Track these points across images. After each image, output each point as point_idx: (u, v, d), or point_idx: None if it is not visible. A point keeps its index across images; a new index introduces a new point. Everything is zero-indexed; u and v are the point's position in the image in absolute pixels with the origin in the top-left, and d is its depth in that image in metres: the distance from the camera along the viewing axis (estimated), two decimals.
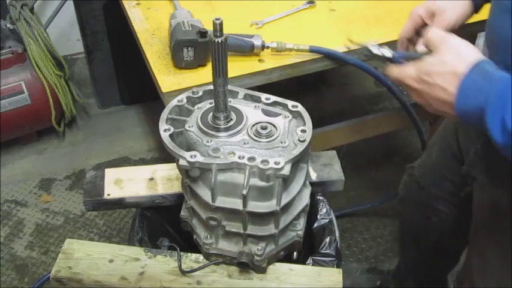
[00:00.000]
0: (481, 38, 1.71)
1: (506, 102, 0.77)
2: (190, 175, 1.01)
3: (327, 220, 1.27)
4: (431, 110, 0.93)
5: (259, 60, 1.46)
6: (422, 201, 1.52)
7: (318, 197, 1.30)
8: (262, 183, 0.97)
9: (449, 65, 0.86)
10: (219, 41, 0.91)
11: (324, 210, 1.29)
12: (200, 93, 1.10)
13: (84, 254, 1.16)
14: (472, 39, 1.74)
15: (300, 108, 1.07)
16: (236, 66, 1.41)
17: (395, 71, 0.95)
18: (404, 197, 1.61)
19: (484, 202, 1.20)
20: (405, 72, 0.93)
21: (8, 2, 2.35)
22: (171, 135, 1.00)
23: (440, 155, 1.43)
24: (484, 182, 1.19)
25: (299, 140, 1.00)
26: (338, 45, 1.49)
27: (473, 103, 0.82)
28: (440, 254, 1.61)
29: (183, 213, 1.15)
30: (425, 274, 1.70)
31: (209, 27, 0.98)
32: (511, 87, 0.78)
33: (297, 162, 1.00)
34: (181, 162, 0.97)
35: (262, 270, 1.11)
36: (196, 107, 1.08)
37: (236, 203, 1.00)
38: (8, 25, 2.32)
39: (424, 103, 0.93)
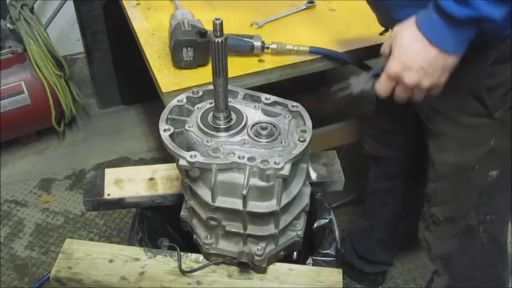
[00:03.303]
0: None
1: None
2: (190, 175, 1.01)
3: (327, 220, 1.27)
4: (434, 82, 1.02)
5: (259, 60, 1.46)
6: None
7: (318, 197, 1.31)
8: (262, 183, 0.97)
9: (408, 32, 1.00)
10: (219, 41, 0.91)
11: (324, 210, 1.29)
12: (200, 93, 1.10)
13: (84, 254, 1.16)
14: None
15: (300, 108, 1.07)
16: (236, 66, 1.40)
17: (382, 77, 1.07)
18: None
19: None
20: (386, 67, 1.04)
21: (8, 2, 2.35)
22: (171, 135, 1.01)
23: None
24: None
25: (299, 140, 1.00)
26: (338, 46, 1.49)
27: (436, 19, 0.95)
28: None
29: (183, 213, 1.15)
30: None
31: (209, 27, 0.98)
32: None
33: (297, 162, 1.00)
34: (181, 162, 0.97)
35: (262, 270, 1.11)
36: (196, 107, 1.08)
37: (236, 203, 1.00)
38: (8, 25, 2.31)
39: (420, 75, 1.01)
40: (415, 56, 0.99)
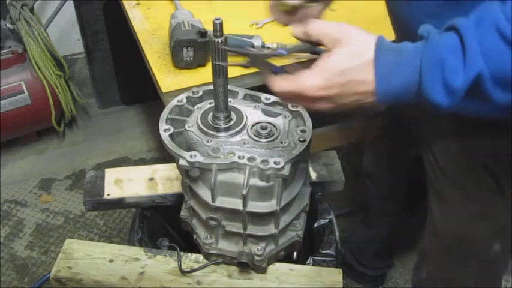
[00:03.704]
0: None
1: (442, 65, 0.72)
2: (190, 175, 1.01)
3: (327, 220, 1.27)
4: (340, 110, 0.82)
5: None
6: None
7: (318, 197, 1.31)
8: (262, 183, 0.97)
9: (359, 55, 0.77)
10: (219, 41, 0.91)
11: (324, 210, 1.29)
12: (200, 93, 1.10)
13: (84, 254, 1.16)
14: None
15: (300, 108, 1.07)
16: (236, 66, 1.40)
17: (288, 85, 0.80)
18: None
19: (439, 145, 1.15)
20: (304, 82, 0.78)
21: (8, 2, 2.35)
22: (171, 135, 1.01)
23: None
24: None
25: (299, 140, 1.00)
26: None
27: (398, 81, 0.76)
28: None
29: (183, 213, 1.15)
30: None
31: (209, 27, 0.98)
32: (439, 50, 0.73)
33: (297, 162, 1.00)
34: (181, 162, 0.97)
35: (262, 270, 1.11)
36: (196, 107, 1.08)
37: (236, 203, 1.00)
38: (8, 25, 2.31)
39: (333, 107, 0.81)
40: (349, 96, 0.79)
